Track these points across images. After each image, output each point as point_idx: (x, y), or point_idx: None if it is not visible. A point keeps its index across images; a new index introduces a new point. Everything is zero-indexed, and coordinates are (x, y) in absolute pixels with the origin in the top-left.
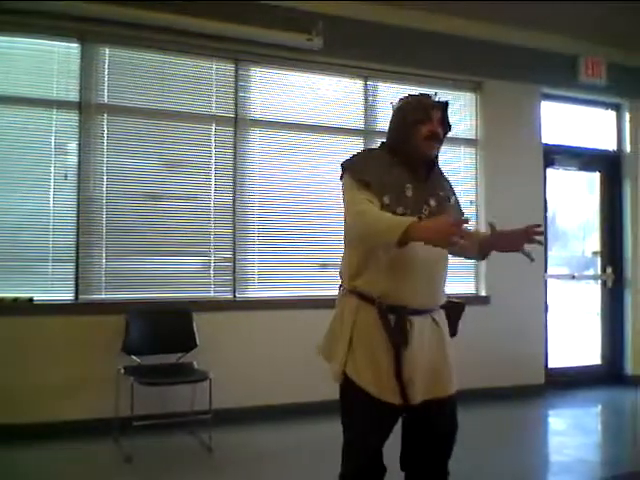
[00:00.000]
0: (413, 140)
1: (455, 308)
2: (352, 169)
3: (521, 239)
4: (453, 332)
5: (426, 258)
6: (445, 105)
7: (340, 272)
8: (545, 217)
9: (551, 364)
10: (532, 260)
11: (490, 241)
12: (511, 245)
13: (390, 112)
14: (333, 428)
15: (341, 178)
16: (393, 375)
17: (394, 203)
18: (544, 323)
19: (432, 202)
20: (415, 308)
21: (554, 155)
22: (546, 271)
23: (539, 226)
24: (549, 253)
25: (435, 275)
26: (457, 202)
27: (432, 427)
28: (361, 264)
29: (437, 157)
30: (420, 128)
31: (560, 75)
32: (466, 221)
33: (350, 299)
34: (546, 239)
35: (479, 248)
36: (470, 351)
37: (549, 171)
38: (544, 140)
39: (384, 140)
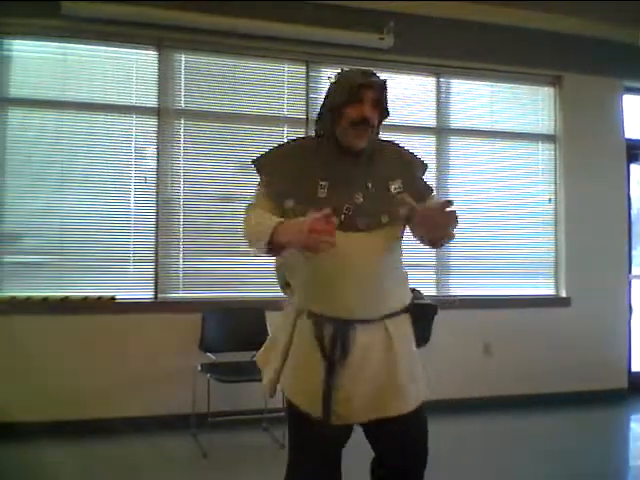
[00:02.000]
0: (337, 126)
1: (423, 311)
2: (260, 170)
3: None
4: (424, 338)
5: (356, 262)
6: (382, 84)
7: (278, 280)
8: (629, 215)
9: (635, 368)
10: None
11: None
12: (434, 228)
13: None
14: None
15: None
16: (324, 392)
17: (303, 205)
18: (628, 325)
19: (359, 198)
20: (357, 318)
21: (638, 150)
22: (630, 271)
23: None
24: (633, 252)
25: (373, 279)
26: (413, 180)
27: (400, 446)
28: (287, 275)
29: (366, 146)
30: (347, 112)
31: None
32: (426, 196)
33: (286, 312)
34: (630, 238)
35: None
36: (550, 354)
37: (633, 167)
38: (627, 135)
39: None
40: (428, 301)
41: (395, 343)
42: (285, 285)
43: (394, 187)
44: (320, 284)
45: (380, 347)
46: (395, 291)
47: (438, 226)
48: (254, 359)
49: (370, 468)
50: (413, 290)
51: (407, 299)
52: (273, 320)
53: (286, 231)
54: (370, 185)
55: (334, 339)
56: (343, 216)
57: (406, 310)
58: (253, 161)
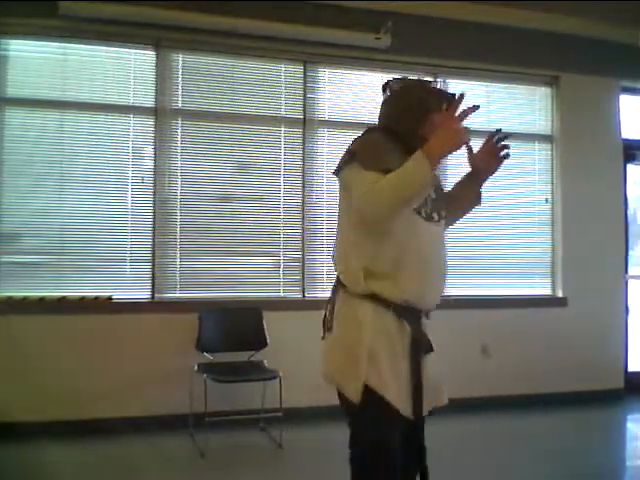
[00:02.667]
0: (421, 129)
1: None
2: (363, 157)
3: (493, 152)
4: None
5: (437, 253)
6: (460, 97)
7: (340, 274)
8: (626, 215)
9: (631, 368)
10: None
11: (473, 166)
12: (489, 162)
13: None
14: None
15: (344, 165)
16: (411, 388)
17: None
18: (624, 325)
19: (432, 194)
20: (427, 310)
21: (635, 150)
22: (627, 272)
23: (501, 135)
24: (630, 252)
25: (446, 270)
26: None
27: (418, 440)
28: (373, 267)
29: None
30: (430, 117)
31: None
32: (472, 109)
33: (362, 305)
34: (627, 238)
35: (470, 181)
36: (547, 354)
37: (630, 167)
38: (624, 135)
39: (375, 123)
40: None
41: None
42: (368, 276)
43: (444, 190)
44: (415, 275)
45: (430, 338)
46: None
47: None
48: (251, 359)
49: None
50: None
51: None
52: (270, 320)
53: (440, 145)
54: (438, 184)
55: (417, 330)
56: (427, 208)
57: None
58: (352, 146)
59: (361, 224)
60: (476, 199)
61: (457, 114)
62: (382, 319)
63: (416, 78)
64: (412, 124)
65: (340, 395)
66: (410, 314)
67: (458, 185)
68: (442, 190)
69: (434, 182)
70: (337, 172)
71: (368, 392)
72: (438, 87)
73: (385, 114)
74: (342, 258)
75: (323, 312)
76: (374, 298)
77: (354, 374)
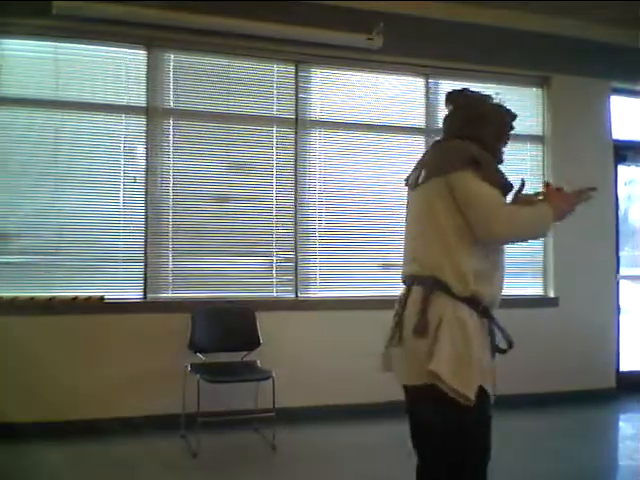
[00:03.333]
0: (501, 143)
1: None
2: (485, 170)
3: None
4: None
5: (504, 255)
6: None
7: (442, 276)
8: (617, 215)
9: (623, 368)
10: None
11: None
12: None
13: None
14: (394, 429)
15: (454, 169)
16: (493, 378)
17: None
18: (616, 325)
19: None
20: (495, 309)
21: (625, 151)
22: (618, 272)
23: (594, 189)
24: (621, 253)
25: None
26: None
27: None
28: (485, 265)
29: None
30: (507, 133)
31: (630, 69)
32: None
33: (463, 308)
34: (618, 238)
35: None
36: (539, 354)
37: (620, 168)
38: (615, 136)
39: (453, 133)
40: None
41: None
42: (474, 279)
43: None
44: (497, 278)
45: None
46: None
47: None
48: (244, 359)
49: None
50: None
51: None
52: (263, 320)
53: (562, 210)
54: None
55: (498, 328)
56: None
57: None
58: (471, 157)
59: (472, 229)
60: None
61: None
62: (476, 323)
63: (478, 92)
64: (499, 139)
65: (424, 393)
66: (489, 315)
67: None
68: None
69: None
70: (435, 175)
71: (480, 391)
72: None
73: (469, 126)
74: (445, 261)
75: (318, 312)
76: (469, 301)
77: (468, 377)
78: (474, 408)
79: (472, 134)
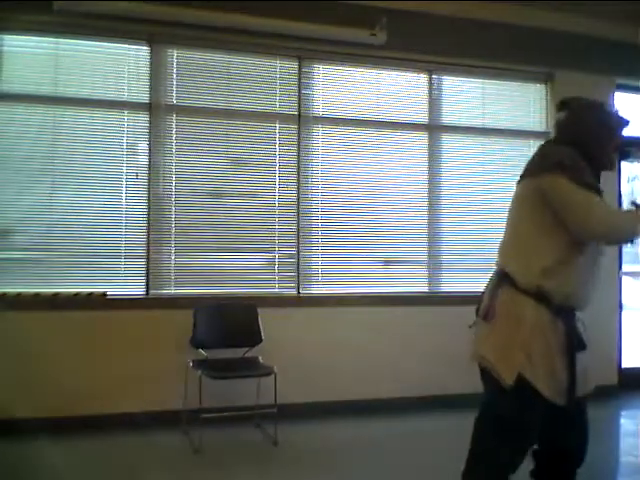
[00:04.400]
0: (607, 149)
1: None
2: (575, 174)
3: None
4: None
5: (595, 258)
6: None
7: (512, 270)
8: None
9: (625, 364)
10: None
11: None
12: None
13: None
14: (395, 425)
15: (544, 172)
16: (566, 378)
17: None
18: (618, 322)
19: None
20: (580, 310)
21: (629, 147)
22: (621, 268)
23: None
24: (624, 249)
25: (598, 274)
26: None
27: (581, 419)
28: (557, 263)
29: None
30: (614, 140)
31: (634, 65)
32: None
33: (526, 301)
34: None
35: None
36: None
37: (623, 164)
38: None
39: (553, 137)
40: None
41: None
42: (544, 274)
43: None
44: (581, 277)
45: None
46: None
47: None
48: (246, 356)
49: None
50: None
51: None
52: (265, 317)
53: None
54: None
55: (571, 328)
56: None
57: None
58: (560, 163)
59: (565, 228)
60: None
61: None
62: (541, 317)
63: (593, 100)
64: (599, 144)
65: (485, 375)
66: (565, 313)
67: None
68: None
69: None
70: (529, 175)
71: (520, 380)
72: (613, 110)
73: (572, 132)
74: (515, 255)
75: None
76: (537, 296)
77: (510, 362)
78: (512, 395)
79: (575, 140)
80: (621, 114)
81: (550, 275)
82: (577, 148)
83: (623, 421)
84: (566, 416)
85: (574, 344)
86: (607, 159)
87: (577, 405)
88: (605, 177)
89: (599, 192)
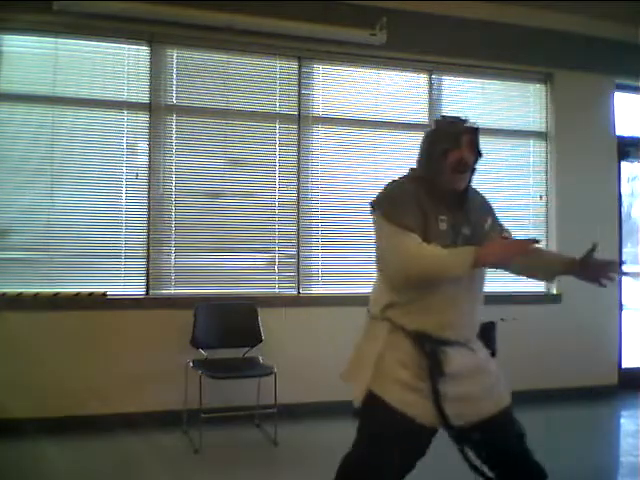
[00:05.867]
0: (442, 171)
1: (487, 328)
2: (388, 211)
3: (601, 273)
4: (492, 352)
5: (465, 289)
6: (476, 130)
7: (372, 300)
8: (620, 212)
9: (625, 364)
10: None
11: (579, 268)
12: (593, 276)
13: (451, 107)
14: None
15: (372, 212)
16: (429, 399)
17: (429, 238)
18: (618, 322)
19: (466, 231)
20: (454, 340)
21: (629, 147)
22: (621, 268)
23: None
24: (624, 250)
25: (472, 307)
26: (494, 223)
27: (505, 437)
28: (397, 299)
29: (469, 185)
30: (449, 156)
31: (634, 65)
32: (534, 241)
33: (382, 324)
34: (620, 235)
35: (560, 272)
36: (541, 351)
37: (623, 164)
38: (618, 132)
39: (413, 167)
40: (487, 320)
41: (480, 357)
42: (387, 306)
43: (487, 224)
44: (435, 310)
45: (468, 364)
46: (479, 318)
47: (594, 277)
48: (246, 356)
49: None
50: None
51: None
52: (265, 317)
53: (489, 250)
54: (474, 220)
55: (433, 355)
56: (458, 246)
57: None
58: (374, 203)
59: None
60: (551, 281)
61: (522, 247)
62: (396, 338)
63: (447, 118)
64: (431, 169)
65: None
66: (428, 342)
67: (542, 258)
68: (483, 227)
69: (470, 221)
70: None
71: (372, 397)
72: (462, 123)
73: (417, 160)
74: (373, 288)
75: (320, 308)
76: (390, 323)
77: (360, 378)
78: (366, 414)
79: (418, 168)
80: (465, 123)
81: (397, 309)
82: (420, 177)
83: (623, 421)
84: (491, 445)
85: (435, 373)
86: (444, 179)
87: (491, 427)
88: (605, 177)
89: (409, 227)
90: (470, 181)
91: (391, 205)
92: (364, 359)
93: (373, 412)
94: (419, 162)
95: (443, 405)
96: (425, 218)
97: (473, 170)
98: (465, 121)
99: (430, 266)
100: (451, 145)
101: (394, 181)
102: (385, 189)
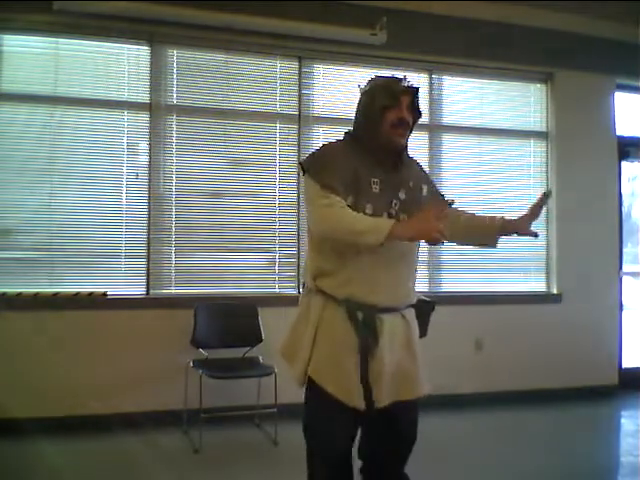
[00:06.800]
0: (380, 128)
1: (425, 307)
2: (313, 171)
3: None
4: (423, 333)
5: (393, 256)
6: (416, 90)
7: (304, 270)
8: (620, 212)
9: (625, 364)
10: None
11: (514, 224)
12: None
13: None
14: None
15: (303, 174)
16: (358, 378)
17: (361, 201)
18: (619, 322)
19: (402, 195)
20: (385, 306)
21: (629, 147)
22: (621, 268)
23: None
24: (624, 249)
25: (403, 272)
26: (433, 191)
27: (393, 430)
28: (325, 265)
29: (406, 145)
30: (388, 115)
31: (635, 65)
32: (445, 206)
33: (315, 297)
34: (621, 235)
35: (498, 233)
36: (541, 350)
37: (624, 164)
38: (619, 132)
39: (350, 129)
40: (427, 298)
41: (412, 331)
42: (318, 275)
43: (425, 190)
44: (362, 276)
45: (400, 332)
46: (413, 286)
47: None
48: (246, 355)
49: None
50: None
51: (415, 296)
52: (265, 316)
53: (408, 230)
54: (411, 184)
55: (367, 324)
56: (392, 210)
57: (412, 305)
58: (302, 163)
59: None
60: (491, 245)
61: (439, 217)
62: (330, 312)
63: (386, 76)
64: (368, 125)
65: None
66: (364, 309)
67: (478, 222)
68: (422, 192)
69: (407, 185)
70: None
71: (310, 381)
72: (402, 83)
73: (354, 121)
74: (306, 256)
75: None
76: (323, 293)
77: (297, 360)
78: (306, 397)
79: (353, 129)
80: (404, 81)
81: (325, 275)
82: (356, 138)
83: (623, 421)
84: (380, 426)
85: (366, 344)
86: (382, 137)
87: (391, 412)
88: (605, 177)
89: (351, 187)
90: (407, 141)
91: (319, 166)
92: (300, 340)
93: (311, 396)
94: (355, 121)
95: (371, 383)
96: (357, 180)
97: (410, 131)
98: (404, 80)
99: (345, 232)
100: (390, 103)
101: (329, 142)
102: (317, 150)
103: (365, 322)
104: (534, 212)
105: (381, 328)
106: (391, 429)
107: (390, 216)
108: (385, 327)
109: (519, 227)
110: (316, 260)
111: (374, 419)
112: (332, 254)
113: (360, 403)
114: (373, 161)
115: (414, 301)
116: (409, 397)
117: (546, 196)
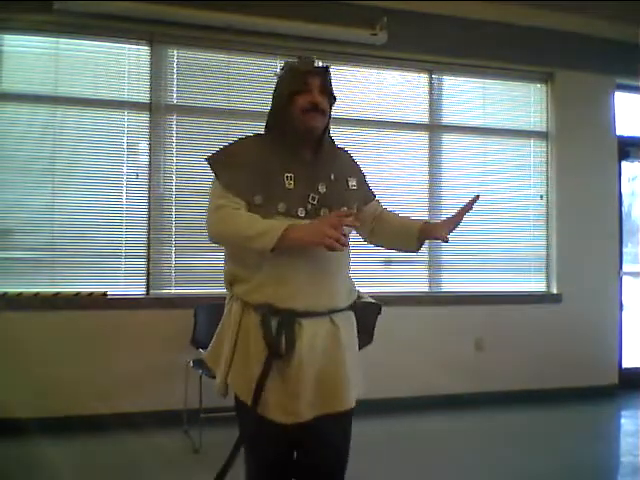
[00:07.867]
0: (291, 114)
1: (367, 309)
2: (217, 169)
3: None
4: (367, 339)
5: (318, 256)
6: (325, 70)
7: (224, 277)
8: (620, 212)
9: (625, 364)
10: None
11: (432, 230)
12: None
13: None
14: (394, 425)
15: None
16: (275, 388)
17: (273, 200)
18: (618, 322)
19: (322, 188)
20: (306, 311)
21: (629, 147)
22: (621, 268)
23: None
24: (624, 249)
25: (329, 272)
26: (362, 183)
27: (322, 443)
28: (238, 270)
29: (327, 132)
30: (297, 100)
31: (635, 65)
32: (350, 214)
33: (235, 303)
34: (621, 235)
35: (419, 239)
36: (541, 350)
37: (624, 164)
38: (619, 132)
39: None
40: (372, 300)
41: (342, 335)
42: (232, 282)
43: (351, 183)
44: (277, 279)
45: (326, 339)
46: (343, 289)
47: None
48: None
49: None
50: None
51: (352, 298)
52: None
53: (300, 237)
54: (332, 177)
55: (280, 330)
56: (309, 205)
57: (350, 307)
58: (208, 159)
59: None
60: (415, 249)
61: (335, 222)
62: (247, 319)
63: (293, 60)
64: (278, 114)
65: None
66: (279, 314)
67: (402, 226)
68: (347, 185)
69: (327, 178)
70: None
71: (235, 395)
72: (310, 64)
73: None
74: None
75: None
76: (240, 301)
77: (219, 370)
78: (236, 409)
79: (268, 118)
80: (312, 63)
81: (240, 281)
82: (269, 132)
83: (623, 421)
84: (309, 441)
85: (275, 351)
86: (298, 126)
87: (318, 426)
88: (605, 177)
89: (259, 186)
90: (327, 129)
91: (223, 163)
92: (222, 348)
93: (236, 407)
94: (268, 114)
95: (289, 394)
96: (267, 177)
97: (329, 117)
98: (312, 60)
99: (234, 237)
100: (298, 87)
101: (245, 137)
102: (226, 145)
103: (280, 328)
104: (458, 217)
105: (300, 334)
106: (321, 445)
107: (306, 212)
108: (305, 333)
109: (436, 233)
110: (229, 265)
111: (304, 433)
112: (247, 258)
113: (276, 415)
114: (287, 154)
115: (348, 304)
116: (337, 409)
117: (473, 200)
